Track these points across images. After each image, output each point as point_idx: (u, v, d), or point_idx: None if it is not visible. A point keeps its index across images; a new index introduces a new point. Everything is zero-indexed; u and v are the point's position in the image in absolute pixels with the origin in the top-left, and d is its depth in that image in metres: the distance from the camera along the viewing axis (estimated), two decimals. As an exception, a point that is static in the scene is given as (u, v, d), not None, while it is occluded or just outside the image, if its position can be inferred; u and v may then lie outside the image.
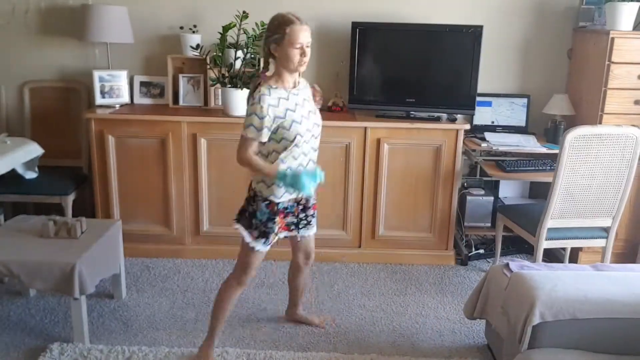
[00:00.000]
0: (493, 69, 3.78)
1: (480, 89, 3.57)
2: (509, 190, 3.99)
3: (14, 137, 3.49)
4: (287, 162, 2.34)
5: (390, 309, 3.11)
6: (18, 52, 3.80)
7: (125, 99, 3.71)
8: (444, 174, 3.51)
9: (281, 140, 2.30)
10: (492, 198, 3.75)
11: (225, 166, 3.51)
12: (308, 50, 2.26)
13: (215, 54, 3.42)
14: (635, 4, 3.27)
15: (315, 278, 3.43)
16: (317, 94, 2.54)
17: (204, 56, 3.46)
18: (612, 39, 3.25)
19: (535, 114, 3.81)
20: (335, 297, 3.24)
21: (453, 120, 3.57)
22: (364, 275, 3.48)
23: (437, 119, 3.55)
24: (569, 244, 3.24)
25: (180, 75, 3.70)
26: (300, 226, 2.57)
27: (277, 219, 2.42)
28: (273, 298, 3.15)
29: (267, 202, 2.39)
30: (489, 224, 3.75)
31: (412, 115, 3.58)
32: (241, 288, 2.55)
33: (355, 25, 3.49)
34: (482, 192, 3.77)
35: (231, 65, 3.44)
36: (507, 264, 2.56)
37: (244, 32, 3.36)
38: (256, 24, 3.33)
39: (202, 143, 3.47)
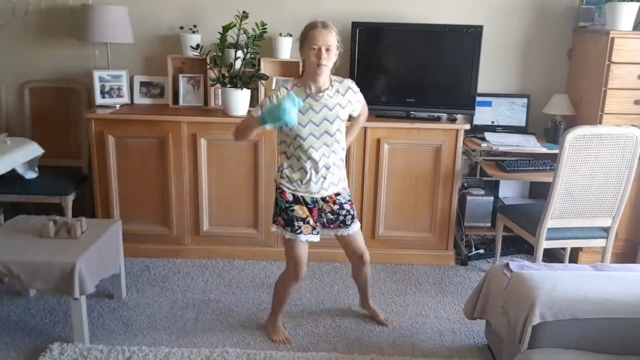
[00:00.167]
0: (493, 69, 3.78)
1: (480, 89, 3.57)
2: (509, 190, 3.99)
3: (14, 137, 3.49)
4: (291, 160, 2.51)
5: (390, 309, 3.11)
6: (18, 52, 3.80)
7: (125, 99, 3.72)
8: (444, 174, 3.51)
9: (295, 137, 2.45)
10: (492, 198, 3.75)
11: (225, 166, 3.51)
12: (327, 53, 2.37)
13: (215, 54, 3.42)
14: (635, 4, 3.27)
15: (315, 278, 3.44)
16: None
17: (204, 56, 3.46)
18: (612, 39, 3.25)
19: (535, 114, 3.81)
20: (335, 297, 3.24)
21: (453, 120, 3.57)
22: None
23: (437, 119, 3.55)
24: (569, 244, 3.24)
25: (180, 75, 3.70)
26: (338, 225, 2.65)
27: (296, 207, 2.53)
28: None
29: (280, 191, 2.56)
30: (489, 224, 3.76)
31: (412, 115, 3.58)
32: (295, 282, 2.68)
33: (355, 25, 3.49)
34: (482, 192, 3.77)
35: (231, 65, 3.44)
36: (507, 264, 2.56)
37: (244, 32, 3.36)
38: (256, 24, 3.33)
39: (202, 143, 3.47)
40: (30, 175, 3.51)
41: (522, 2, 3.72)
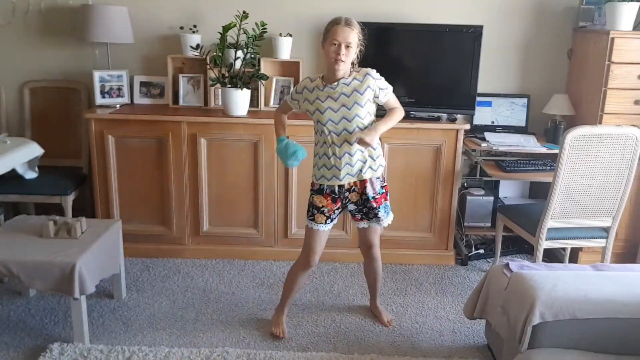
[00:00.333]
0: (493, 69, 3.78)
1: (480, 89, 3.57)
2: (509, 190, 3.99)
3: (14, 137, 3.50)
4: (318, 149, 2.63)
5: (390, 309, 3.11)
6: (18, 52, 3.80)
7: (126, 99, 3.72)
8: (444, 174, 3.51)
9: (317, 124, 2.58)
10: (492, 198, 3.75)
11: (225, 166, 3.51)
12: (346, 49, 2.45)
13: (215, 54, 3.42)
14: (635, 4, 3.27)
15: (315, 278, 3.44)
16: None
17: (204, 56, 3.46)
18: (612, 39, 3.25)
19: (535, 114, 3.81)
20: (335, 297, 3.24)
21: (453, 120, 3.57)
22: (364, 275, 3.47)
23: (437, 119, 3.55)
24: (569, 244, 3.23)
25: (180, 75, 3.70)
26: (370, 216, 2.70)
27: (319, 197, 2.63)
28: (273, 298, 3.15)
29: (312, 182, 2.68)
30: (489, 224, 3.75)
31: (412, 115, 3.58)
32: (303, 270, 2.76)
33: (355, 25, 3.48)
34: (482, 192, 3.77)
35: (231, 65, 3.44)
36: (507, 264, 2.56)
37: (244, 32, 3.36)
38: (256, 24, 3.34)
39: (202, 143, 3.47)
40: (30, 175, 3.51)
41: (522, 2, 3.73)
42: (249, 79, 3.45)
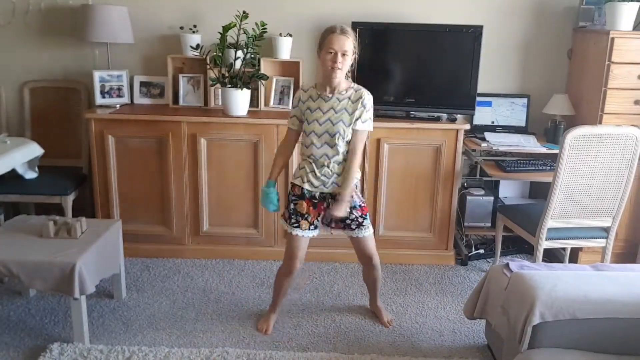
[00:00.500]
0: (493, 69, 3.78)
1: (480, 89, 3.57)
2: (509, 190, 3.99)
3: (14, 137, 3.50)
4: (302, 154, 2.65)
5: (390, 309, 3.11)
6: (18, 52, 3.80)
7: (125, 99, 3.72)
8: (444, 174, 3.51)
9: (309, 134, 2.57)
10: (492, 198, 3.75)
11: (225, 166, 3.51)
12: (342, 58, 2.46)
13: (215, 54, 3.42)
14: (635, 4, 3.27)
15: (315, 278, 3.43)
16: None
17: (204, 56, 3.46)
18: (612, 39, 3.25)
19: (535, 114, 3.81)
20: (335, 297, 3.24)
21: (453, 120, 3.57)
22: (363, 279, 3.47)
23: (437, 119, 3.55)
24: (569, 244, 3.23)
25: (180, 75, 3.70)
26: (343, 227, 2.70)
27: (301, 203, 2.64)
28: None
29: (292, 185, 2.69)
30: (489, 224, 3.75)
31: (412, 115, 3.58)
32: (286, 276, 2.78)
33: (355, 25, 3.48)
34: (482, 192, 3.77)
35: (231, 65, 3.44)
36: (507, 264, 2.56)
37: (244, 32, 3.36)
38: (256, 24, 3.33)
39: (202, 143, 3.47)
40: (30, 175, 3.51)
41: (522, 2, 3.72)
42: (249, 79, 3.45)
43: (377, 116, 3.53)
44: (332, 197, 2.64)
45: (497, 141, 3.53)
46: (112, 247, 2.94)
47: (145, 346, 2.69)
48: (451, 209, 3.57)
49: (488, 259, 3.78)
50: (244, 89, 3.43)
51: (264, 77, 3.49)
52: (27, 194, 3.51)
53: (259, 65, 3.58)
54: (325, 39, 2.50)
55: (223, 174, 3.52)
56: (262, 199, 2.76)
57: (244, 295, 3.22)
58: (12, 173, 3.32)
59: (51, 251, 2.62)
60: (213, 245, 3.64)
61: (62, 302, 3.04)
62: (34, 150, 3.38)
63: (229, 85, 3.41)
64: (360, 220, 2.68)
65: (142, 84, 3.77)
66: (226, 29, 3.33)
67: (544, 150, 3.48)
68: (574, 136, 2.81)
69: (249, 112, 3.53)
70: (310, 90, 2.60)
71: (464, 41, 3.47)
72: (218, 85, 3.48)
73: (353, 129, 2.54)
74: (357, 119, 2.53)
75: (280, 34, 3.62)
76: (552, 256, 3.75)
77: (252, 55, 3.51)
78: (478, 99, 3.58)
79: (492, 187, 3.90)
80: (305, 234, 2.67)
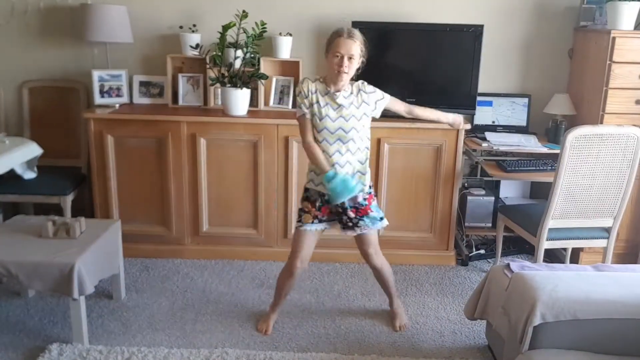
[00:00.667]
0: (494, 69, 3.77)
1: (481, 88, 3.56)
2: (510, 190, 3.98)
3: (12, 136, 3.49)
4: (312, 167, 2.62)
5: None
6: (17, 52, 3.79)
7: (125, 98, 3.71)
8: (445, 174, 3.50)
9: (320, 130, 2.55)
10: (492, 198, 3.74)
11: (225, 166, 3.50)
12: (349, 62, 2.47)
13: (214, 53, 3.41)
14: (637, 4, 3.26)
15: (315, 278, 3.43)
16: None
17: (204, 56, 3.45)
18: (614, 38, 3.24)
19: (536, 113, 3.80)
20: (335, 297, 3.23)
21: (453, 120, 3.56)
22: (364, 275, 3.47)
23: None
24: (570, 244, 3.23)
25: (180, 75, 3.69)
26: (348, 225, 2.69)
27: (306, 204, 2.66)
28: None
29: (305, 189, 2.69)
30: (490, 224, 3.74)
31: (412, 115, 3.57)
32: (289, 274, 2.75)
33: (355, 24, 3.46)
34: (483, 192, 3.76)
35: (231, 65, 3.43)
36: (508, 265, 2.55)
37: (244, 32, 3.35)
38: (256, 23, 3.33)
39: (202, 143, 3.46)
40: (29, 175, 3.50)
41: (523, 2, 3.71)
42: (249, 78, 3.44)
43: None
44: (327, 202, 2.65)
45: (497, 141, 3.52)
46: (112, 247, 2.93)
47: (144, 347, 2.68)
48: (452, 209, 3.56)
49: (489, 260, 3.77)
50: (244, 89, 3.42)
51: (264, 77, 3.48)
52: (26, 194, 3.50)
53: (258, 64, 3.57)
54: (332, 42, 2.50)
55: (223, 174, 3.52)
56: (340, 189, 2.47)
57: (244, 296, 3.21)
58: (11, 173, 3.32)
59: (50, 251, 2.61)
60: (213, 245, 3.63)
61: (61, 303, 3.03)
62: (33, 150, 3.37)
63: (229, 85, 3.40)
64: (354, 220, 2.66)
65: (141, 83, 3.76)
66: (226, 28, 3.32)
67: (544, 150, 3.47)
68: (575, 136, 2.81)
69: (248, 111, 3.52)
70: (317, 83, 2.58)
71: (464, 41, 3.46)
72: (218, 84, 3.48)
73: (383, 102, 2.64)
74: (375, 105, 2.62)
75: (280, 34, 3.61)
76: (553, 256, 3.74)
77: (252, 55, 3.50)
78: (479, 98, 3.57)
79: (493, 187, 3.89)
80: (307, 227, 2.65)
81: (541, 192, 3.83)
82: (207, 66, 3.54)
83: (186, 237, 3.62)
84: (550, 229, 3.02)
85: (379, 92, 2.65)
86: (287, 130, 3.39)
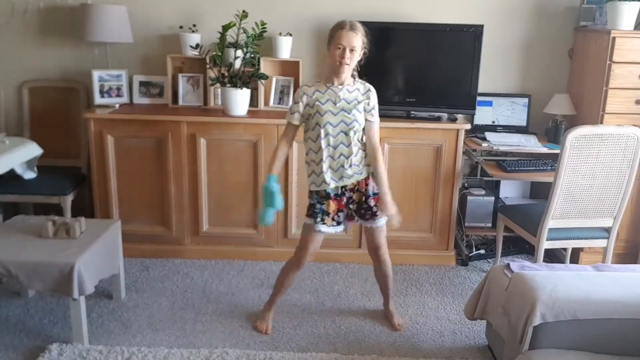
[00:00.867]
0: (494, 69, 3.77)
1: (481, 88, 3.56)
2: (510, 190, 3.98)
3: (12, 136, 3.49)
4: (314, 156, 2.63)
5: (391, 310, 3.10)
6: (17, 52, 3.79)
7: (125, 98, 3.71)
8: (445, 174, 3.50)
9: (314, 128, 2.59)
10: (492, 198, 3.74)
11: (225, 166, 3.50)
12: (350, 54, 2.51)
13: (214, 53, 3.41)
14: (637, 4, 3.26)
15: (315, 279, 3.42)
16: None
17: (204, 56, 3.45)
18: (614, 38, 3.24)
19: (536, 113, 3.80)
20: (335, 297, 3.23)
21: (453, 120, 3.56)
22: (364, 275, 3.47)
23: (438, 119, 3.54)
24: (570, 244, 3.23)
25: (180, 75, 3.69)
26: (366, 217, 2.71)
27: (328, 203, 2.64)
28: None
29: (310, 191, 2.69)
30: (490, 224, 3.74)
31: (412, 115, 3.57)
32: (297, 269, 2.79)
33: (355, 24, 3.47)
34: (483, 192, 3.76)
35: (231, 65, 3.43)
36: (508, 265, 2.55)
37: (244, 32, 3.35)
38: (256, 23, 3.33)
39: (202, 143, 3.46)
40: (29, 175, 3.50)
41: (523, 2, 3.71)
42: (249, 78, 3.44)
43: (378, 116, 3.54)
44: (352, 191, 2.67)
45: (497, 141, 3.52)
46: (111, 247, 2.93)
47: (144, 347, 2.68)
48: (452, 209, 3.56)
49: (489, 260, 3.77)
50: (244, 89, 3.42)
51: (264, 77, 3.48)
52: (26, 194, 3.50)
53: (258, 64, 3.56)
54: (334, 34, 2.54)
55: (223, 174, 3.51)
56: (265, 199, 2.60)
57: (244, 296, 3.21)
58: (11, 173, 3.32)
59: (50, 251, 2.61)
60: (213, 245, 3.63)
61: (61, 303, 3.03)
62: (33, 150, 3.37)
63: (229, 85, 3.40)
64: (374, 210, 2.69)
65: (141, 83, 3.76)
66: (226, 28, 3.32)
67: (544, 150, 3.47)
68: (575, 136, 2.81)
69: (248, 111, 3.52)
70: (316, 84, 2.62)
71: (464, 41, 3.46)
72: (218, 84, 3.48)
73: (368, 120, 2.65)
74: (372, 109, 2.65)
75: (280, 34, 3.61)
76: (553, 256, 3.74)
77: (252, 55, 3.49)
78: (479, 98, 3.57)
79: (493, 187, 3.89)
80: (329, 231, 2.68)
81: (541, 192, 3.82)
82: (207, 66, 3.54)
83: (186, 237, 3.62)
84: (550, 229, 3.02)
85: (376, 111, 2.69)
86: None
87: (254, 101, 3.62)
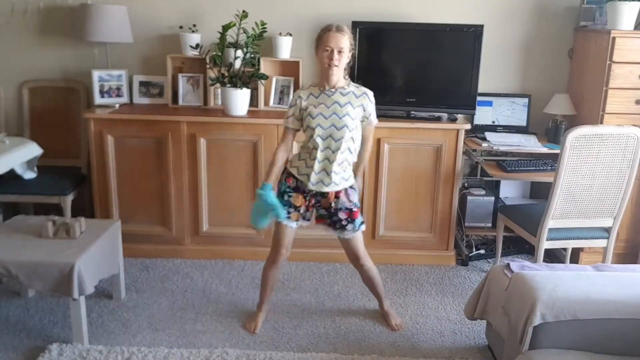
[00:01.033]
0: (494, 69, 3.77)
1: (481, 88, 3.56)
2: (510, 190, 3.98)
3: (12, 136, 3.49)
4: (303, 148, 2.65)
5: (391, 310, 3.10)
6: (17, 52, 3.79)
7: (125, 98, 3.71)
8: (445, 174, 3.50)
9: (306, 130, 2.60)
10: (492, 198, 3.74)
11: (225, 166, 3.50)
12: (339, 55, 2.51)
13: (214, 53, 3.41)
14: (637, 4, 3.26)
15: (315, 278, 3.42)
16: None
17: (204, 56, 3.45)
18: (614, 38, 3.24)
19: (536, 113, 3.80)
20: (335, 297, 3.22)
21: (453, 120, 3.56)
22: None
23: (438, 119, 3.54)
24: (570, 244, 3.23)
25: (180, 75, 3.69)
26: (336, 227, 2.73)
27: (296, 196, 2.65)
28: (272, 299, 3.13)
29: (287, 175, 2.68)
30: (490, 224, 3.74)
31: (412, 115, 3.57)
32: (274, 265, 2.80)
33: (355, 24, 3.47)
34: (483, 192, 3.76)
35: (231, 65, 3.43)
36: (508, 265, 2.55)
37: (244, 32, 3.35)
38: (256, 23, 3.33)
39: (202, 143, 3.46)
40: (29, 175, 3.50)
41: (523, 2, 3.71)
42: (249, 78, 3.44)
43: (378, 116, 3.53)
44: (322, 195, 2.67)
45: (497, 141, 3.52)
46: (111, 247, 2.93)
47: (144, 347, 2.68)
48: (452, 209, 3.56)
49: (489, 260, 3.76)
50: (244, 89, 3.42)
51: (264, 77, 3.48)
52: (26, 194, 3.50)
53: (258, 64, 3.57)
54: (321, 37, 2.55)
55: (223, 174, 3.51)
56: (257, 206, 2.61)
57: (244, 296, 3.21)
58: (11, 173, 3.32)
59: (50, 251, 2.61)
60: (213, 245, 3.63)
61: (61, 303, 3.03)
62: (33, 150, 3.37)
63: (229, 85, 3.40)
64: (344, 223, 2.69)
65: (141, 83, 3.76)
66: (226, 28, 3.32)
67: (544, 150, 3.47)
68: (575, 136, 2.80)
69: (248, 111, 3.52)
70: (311, 88, 2.63)
71: (464, 41, 3.45)
72: (218, 84, 3.48)
73: (368, 122, 2.67)
74: (369, 115, 2.67)
75: (280, 34, 3.61)
76: (553, 256, 3.74)
77: (252, 55, 3.50)
78: (479, 98, 3.57)
79: (493, 187, 3.89)
80: (294, 225, 2.71)
81: (541, 192, 3.82)
82: (207, 66, 3.54)
83: (186, 237, 3.62)
84: (550, 229, 3.02)
85: (374, 115, 2.70)
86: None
87: (254, 101, 3.62)
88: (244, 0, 3.56)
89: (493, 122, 3.79)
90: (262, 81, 3.54)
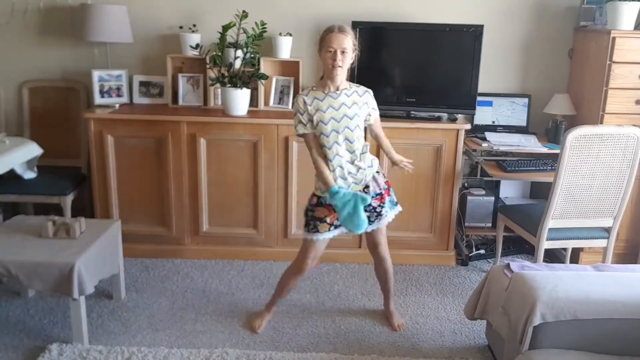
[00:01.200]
0: (494, 69, 3.77)
1: (481, 88, 3.56)
2: (510, 190, 3.98)
3: (12, 136, 3.49)
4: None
5: (391, 310, 3.10)
6: (17, 52, 3.79)
7: (125, 98, 3.71)
8: (445, 174, 3.50)
9: (319, 136, 2.56)
10: (492, 198, 3.74)
11: (225, 166, 3.50)
12: (342, 56, 2.49)
13: (214, 53, 3.41)
14: (637, 4, 3.26)
15: (315, 279, 3.42)
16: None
17: (204, 56, 3.45)
18: (614, 38, 3.24)
19: (536, 113, 3.80)
20: (335, 297, 3.22)
21: (454, 120, 3.56)
22: (364, 275, 3.47)
23: (438, 119, 3.54)
24: (570, 244, 3.23)
25: (180, 75, 3.69)
26: (370, 219, 2.68)
27: (319, 209, 2.63)
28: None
29: (312, 194, 2.67)
30: (490, 224, 3.74)
31: (412, 115, 3.57)
32: (299, 274, 2.77)
33: (355, 24, 3.47)
34: (483, 192, 3.76)
35: (231, 65, 3.43)
36: (508, 265, 2.55)
37: (244, 32, 3.35)
38: (256, 23, 3.33)
39: (202, 143, 3.46)
40: (29, 175, 3.50)
41: (523, 2, 3.71)
42: (249, 78, 3.44)
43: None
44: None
45: (497, 141, 3.52)
46: (111, 247, 2.93)
47: (144, 347, 2.68)
48: (452, 209, 3.56)
49: (489, 260, 3.77)
50: (244, 89, 3.42)
51: (264, 77, 3.48)
52: (25, 194, 3.50)
53: (258, 64, 3.57)
54: (324, 38, 2.53)
55: (223, 174, 3.51)
56: (344, 208, 2.48)
57: (244, 296, 3.21)
58: (11, 173, 3.32)
59: (50, 251, 2.61)
60: (213, 245, 3.63)
61: (61, 303, 3.03)
62: (33, 150, 3.37)
63: (229, 85, 3.40)
64: (378, 209, 2.69)
65: (141, 83, 3.76)
66: (226, 28, 3.32)
67: (544, 150, 3.47)
68: (575, 136, 2.81)
69: (248, 111, 3.52)
70: (312, 92, 2.59)
71: (464, 41, 3.46)
72: (218, 84, 3.48)
73: (373, 118, 2.69)
74: (373, 109, 2.68)
75: (280, 34, 3.61)
76: (553, 256, 3.74)
77: (252, 55, 3.50)
78: (479, 98, 3.57)
79: (493, 187, 3.89)
80: (325, 237, 2.66)
81: (541, 192, 3.82)
82: (207, 66, 3.54)
83: (186, 237, 3.62)
84: (550, 229, 3.02)
85: (376, 112, 2.71)
86: (287, 130, 3.39)
87: (254, 101, 3.62)
88: (244, 0, 3.56)
89: (493, 122, 3.79)
90: (262, 81, 3.54)
